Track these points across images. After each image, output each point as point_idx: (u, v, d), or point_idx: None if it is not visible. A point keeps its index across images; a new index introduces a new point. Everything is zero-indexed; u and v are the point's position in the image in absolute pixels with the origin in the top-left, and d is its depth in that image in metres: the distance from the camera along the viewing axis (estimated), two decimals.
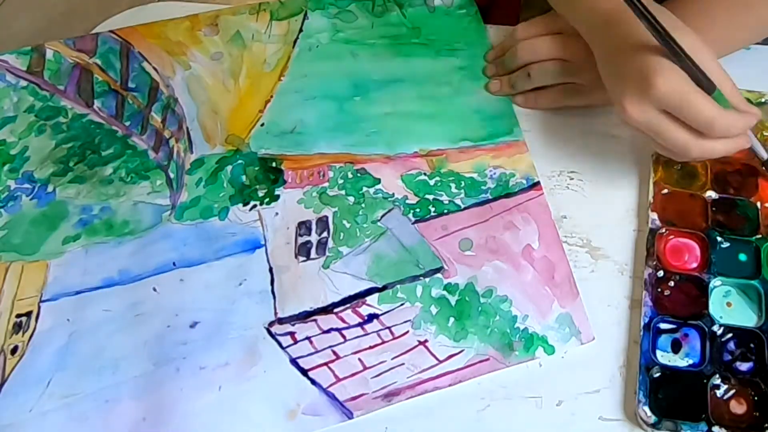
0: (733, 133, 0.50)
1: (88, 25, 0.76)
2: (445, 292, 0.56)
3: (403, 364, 0.53)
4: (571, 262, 0.57)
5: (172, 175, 0.64)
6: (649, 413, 0.48)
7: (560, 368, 0.53)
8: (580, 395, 0.51)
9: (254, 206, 0.62)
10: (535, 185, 0.61)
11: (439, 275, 0.57)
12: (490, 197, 0.61)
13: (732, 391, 0.50)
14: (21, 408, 0.52)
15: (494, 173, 0.62)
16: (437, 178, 0.62)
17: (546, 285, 0.56)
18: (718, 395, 0.50)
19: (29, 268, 0.59)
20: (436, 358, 0.53)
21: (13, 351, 0.54)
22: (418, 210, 0.60)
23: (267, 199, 0.62)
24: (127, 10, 0.78)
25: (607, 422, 0.50)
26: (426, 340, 0.53)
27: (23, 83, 0.70)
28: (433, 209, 0.60)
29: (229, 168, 0.64)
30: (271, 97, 0.69)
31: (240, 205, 0.62)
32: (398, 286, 0.56)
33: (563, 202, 0.61)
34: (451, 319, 0.54)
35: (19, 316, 0.56)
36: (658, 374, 0.50)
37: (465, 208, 0.60)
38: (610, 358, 0.53)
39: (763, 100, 0.64)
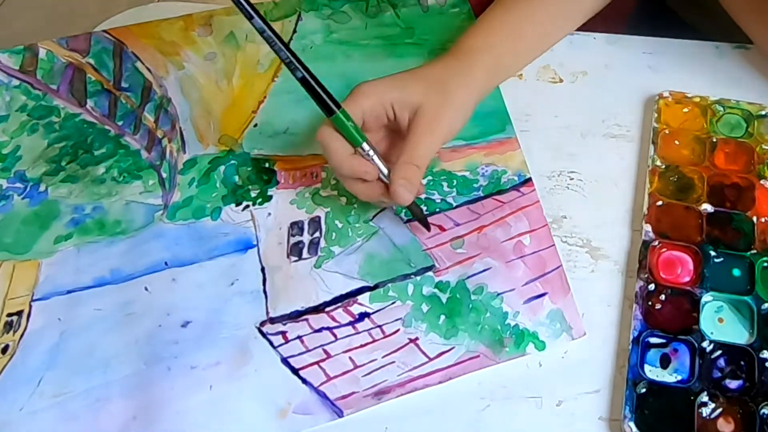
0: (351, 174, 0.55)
1: (88, 25, 0.76)
2: (436, 290, 0.56)
3: (393, 362, 0.52)
4: (571, 262, 0.57)
5: (164, 175, 0.64)
6: (634, 429, 0.48)
7: (560, 368, 0.52)
8: (580, 395, 0.51)
9: (247, 206, 0.62)
10: (527, 182, 0.61)
11: (430, 273, 0.56)
12: (482, 195, 0.61)
13: (719, 410, 0.49)
14: (12, 407, 0.52)
15: (486, 171, 0.62)
16: (429, 178, 0.62)
17: (537, 281, 0.56)
18: (705, 414, 0.49)
19: (21, 267, 0.59)
20: (427, 356, 0.53)
21: (4, 350, 0.54)
22: None
23: (259, 200, 0.62)
24: (127, 10, 0.78)
25: (607, 422, 0.50)
26: (417, 338, 0.53)
27: (16, 82, 0.70)
28: (425, 208, 0.60)
29: (221, 168, 0.64)
30: (265, 97, 0.69)
31: (232, 205, 0.62)
32: (390, 284, 0.56)
33: (563, 202, 0.61)
34: (442, 317, 0.54)
35: (10, 315, 0.56)
36: (644, 390, 0.50)
37: (457, 206, 0.60)
38: (610, 358, 0.53)
39: (763, 112, 0.63)
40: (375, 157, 0.54)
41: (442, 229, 0.59)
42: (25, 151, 0.66)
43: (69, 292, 0.57)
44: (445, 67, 0.59)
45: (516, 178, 0.61)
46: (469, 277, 0.56)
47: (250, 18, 0.52)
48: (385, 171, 0.54)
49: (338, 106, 0.53)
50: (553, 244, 0.57)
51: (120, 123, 0.67)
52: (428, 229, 0.58)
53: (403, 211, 0.60)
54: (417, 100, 0.55)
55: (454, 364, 0.52)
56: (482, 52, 0.61)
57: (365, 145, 0.54)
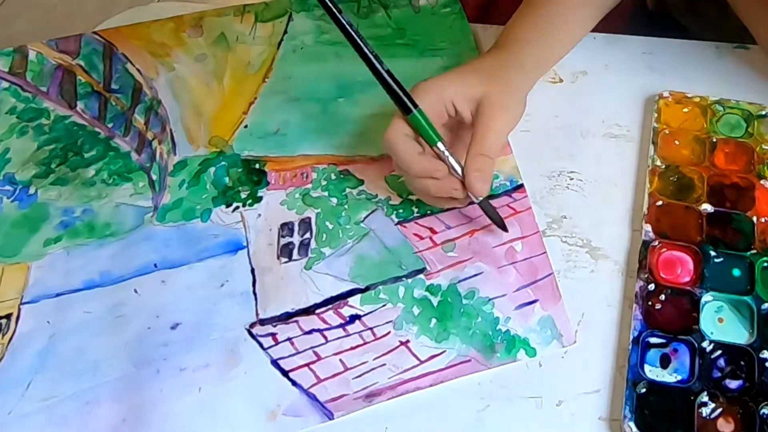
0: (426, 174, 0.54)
1: (88, 26, 0.76)
2: (427, 293, 0.55)
3: (384, 364, 0.52)
4: (570, 262, 0.57)
5: (154, 177, 0.64)
6: (634, 429, 0.48)
7: (560, 368, 0.52)
8: (580, 395, 0.51)
9: (237, 208, 0.61)
10: (519, 188, 0.61)
11: (421, 276, 0.56)
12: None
13: (719, 410, 0.49)
14: (0, 410, 0.52)
15: None
16: None
17: (528, 287, 0.55)
18: (705, 414, 0.48)
19: (10, 270, 0.58)
20: (418, 359, 0.52)
21: None
22: (401, 211, 0.60)
23: (249, 201, 0.62)
24: (127, 10, 0.78)
25: (607, 422, 0.50)
26: (408, 341, 0.53)
27: (5, 84, 0.70)
28: (416, 210, 0.60)
29: (212, 170, 0.64)
30: (255, 98, 0.69)
31: (222, 206, 0.62)
32: (380, 287, 0.56)
33: (563, 202, 0.60)
34: (433, 320, 0.54)
35: None
36: (644, 390, 0.50)
37: (448, 210, 0.60)
38: (610, 358, 0.52)
39: (763, 112, 0.63)
40: (448, 154, 0.54)
41: (433, 231, 0.59)
42: (14, 154, 0.66)
43: (58, 294, 0.57)
44: (498, 59, 0.60)
45: (508, 183, 0.61)
46: (460, 281, 0.56)
47: (335, 14, 0.53)
48: (458, 168, 0.54)
49: (415, 105, 0.53)
50: (545, 252, 0.57)
51: (110, 125, 0.67)
52: (505, 229, 0.57)
53: (394, 212, 0.60)
54: (477, 92, 0.55)
55: (445, 368, 0.52)
56: (529, 44, 0.63)
57: (440, 144, 0.54)
